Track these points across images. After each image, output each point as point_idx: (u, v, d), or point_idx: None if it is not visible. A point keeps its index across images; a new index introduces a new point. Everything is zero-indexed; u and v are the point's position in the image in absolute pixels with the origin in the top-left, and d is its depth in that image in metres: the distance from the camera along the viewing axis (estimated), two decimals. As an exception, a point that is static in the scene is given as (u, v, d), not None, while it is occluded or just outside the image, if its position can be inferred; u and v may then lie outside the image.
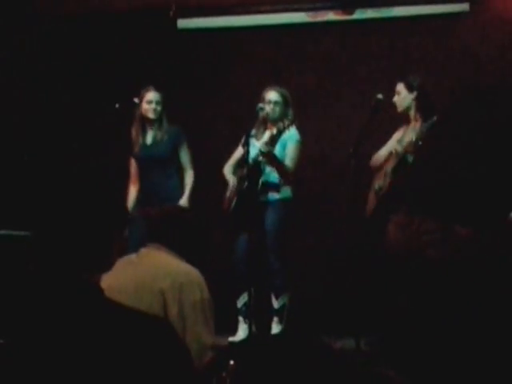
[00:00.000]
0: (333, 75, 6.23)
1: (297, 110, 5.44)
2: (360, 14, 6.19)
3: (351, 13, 6.21)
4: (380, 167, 5.14)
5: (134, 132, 5.50)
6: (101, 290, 1.69)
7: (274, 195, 5.33)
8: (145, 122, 5.48)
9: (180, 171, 5.57)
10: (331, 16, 6.27)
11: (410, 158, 4.80)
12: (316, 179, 6.10)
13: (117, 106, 5.32)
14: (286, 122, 5.09)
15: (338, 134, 6.04)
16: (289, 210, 5.37)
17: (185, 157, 5.54)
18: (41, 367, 1.59)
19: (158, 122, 5.48)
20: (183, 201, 5.41)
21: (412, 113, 5.05)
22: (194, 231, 2.92)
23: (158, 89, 5.47)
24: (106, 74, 6.30)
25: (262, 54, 6.35)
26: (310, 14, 6.32)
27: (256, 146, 5.29)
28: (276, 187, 5.33)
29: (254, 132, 5.37)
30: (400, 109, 5.11)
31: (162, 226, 2.81)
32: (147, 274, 2.62)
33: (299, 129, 5.31)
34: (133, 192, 5.56)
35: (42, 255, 1.71)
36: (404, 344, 4.02)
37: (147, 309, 2.35)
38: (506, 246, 2.26)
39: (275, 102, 5.30)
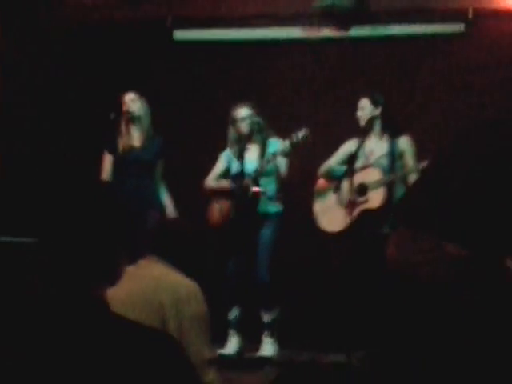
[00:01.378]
0: (329, 91, 6.25)
1: (291, 125, 5.47)
2: (356, 32, 6.22)
3: (347, 30, 6.24)
4: (334, 178, 5.26)
5: (120, 133, 5.47)
6: (107, 304, 1.69)
7: (273, 207, 5.37)
8: (128, 123, 5.45)
9: None
10: (327, 32, 6.30)
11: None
12: (305, 192, 6.11)
13: (112, 116, 5.32)
14: (301, 135, 5.15)
15: (332, 147, 6.06)
16: (281, 224, 5.40)
17: (160, 168, 5.54)
18: (46, 380, 1.59)
19: (137, 121, 5.45)
20: (171, 211, 5.41)
21: (377, 128, 5.26)
22: (192, 244, 2.92)
23: (138, 92, 5.48)
24: (100, 84, 6.30)
25: (256, 68, 6.37)
26: (306, 29, 6.34)
27: (235, 161, 5.36)
28: (274, 199, 5.36)
29: (230, 150, 5.46)
30: (363, 123, 5.27)
31: (162, 238, 2.81)
32: (147, 286, 2.62)
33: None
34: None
35: (48, 265, 1.71)
36: (395, 362, 4.03)
37: (146, 321, 2.35)
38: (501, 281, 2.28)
39: (249, 117, 5.35)
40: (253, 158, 5.34)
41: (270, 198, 5.34)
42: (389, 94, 5.73)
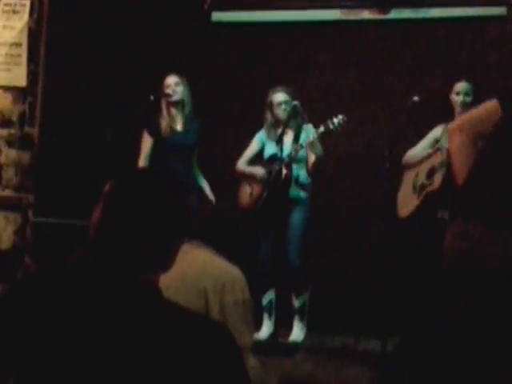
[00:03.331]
0: (367, 74, 6.19)
1: (329, 107, 5.42)
2: (396, 14, 6.14)
3: (387, 12, 6.16)
4: (417, 164, 5.10)
5: (162, 117, 5.41)
6: (160, 291, 1.68)
7: (303, 193, 5.33)
8: (169, 107, 5.41)
9: None
10: (366, 15, 6.22)
11: None
12: (342, 178, 6.07)
13: (151, 98, 5.30)
14: (337, 120, 5.10)
15: (371, 133, 6.00)
16: (308, 209, 5.38)
17: (196, 152, 5.51)
18: (100, 368, 1.58)
19: (181, 105, 5.41)
20: (211, 196, 5.35)
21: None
22: (235, 230, 2.90)
23: (180, 74, 5.43)
24: (139, 64, 6.29)
25: (295, 50, 6.32)
26: (345, 11, 6.27)
27: (271, 146, 5.33)
28: (304, 185, 5.33)
29: (266, 133, 5.40)
30: (459, 108, 5.10)
31: (211, 224, 2.79)
32: (190, 272, 2.59)
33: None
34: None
35: (101, 248, 1.69)
36: (436, 349, 4.00)
37: (190, 307, 2.33)
38: None
39: (285, 102, 5.32)
40: (287, 143, 5.31)
41: (301, 184, 5.32)
42: (428, 77, 5.66)
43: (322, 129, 5.14)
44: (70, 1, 5.88)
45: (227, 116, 6.23)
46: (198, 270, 2.63)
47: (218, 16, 6.41)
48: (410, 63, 6.07)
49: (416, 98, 4.94)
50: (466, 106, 5.04)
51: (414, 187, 5.06)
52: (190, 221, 1.77)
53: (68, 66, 6.21)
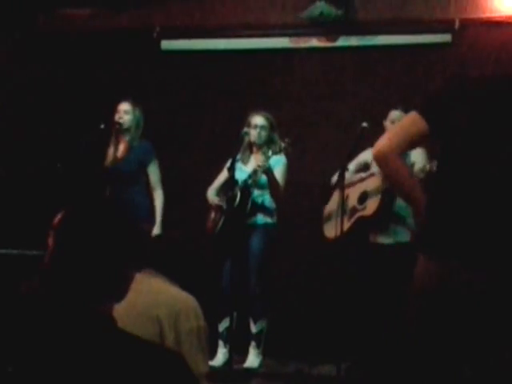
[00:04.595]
0: (314, 101, 6.27)
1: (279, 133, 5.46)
2: (343, 42, 6.24)
3: (334, 40, 6.26)
4: (348, 186, 5.15)
5: (111, 144, 5.44)
6: (113, 321, 1.67)
7: (261, 218, 5.33)
8: (118, 134, 5.40)
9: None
10: (314, 42, 6.31)
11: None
12: (293, 204, 6.11)
13: (102, 126, 5.27)
14: (283, 145, 5.11)
15: (319, 159, 6.06)
16: (273, 235, 5.38)
17: (153, 174, 5.43)
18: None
19: (127, 132, 5.40)
20: (156, 229, 5.28)
21: None
22: (184, 256, 2.90)
23: (133, 102, 5.42)
24: (89, 93, 6.28)
25: (245, 78, 6.37)
26: (293, 39, 6.35)
27: (243, 169, 5.30)
28: (264, 210, 5.33)
29: (239, 156, 5.38)
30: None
31: (158, 251, 2.78)
32: (144, 300, 2.58)
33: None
34: None
35: (55, 279, 1.68)
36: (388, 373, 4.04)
37: (143, 336, 2.32)
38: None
39: (261, 127, 5.32)
40: (251, 168, 5.30)
41: (263, 209, 5.32)
42: (376, 103, 5.76)
43: (269, 153, 5.16)
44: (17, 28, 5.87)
45: (175, 140, 6.24)
46: (151, 299, 2.62)
47: (167, 44, 6.43)
48: (358, 90, 6.16)
49: (365, 124, 5.01)
50: None
51: (344, 209, 5.13)
52: (141, 249, 1.77)
53: (17, 96, 6.17)
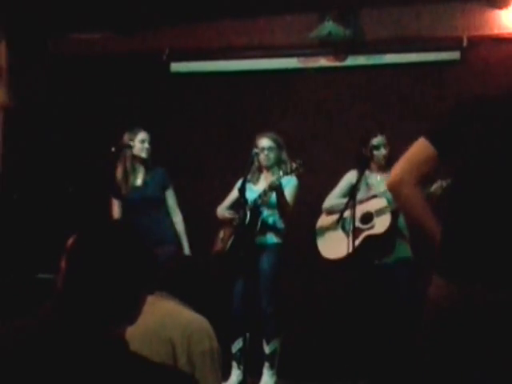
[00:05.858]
0: (324, 121, 6.28)
1: (290, 152, 5.46)
2: (352, 61, 6.25)
3: (343, 59, 6.28)
4: (342, 210, 5.13)
5: (121, 173, 5.43)
6: (126, 343, 1.67)
7: (272, 238, 5.33)
8: (135, 163, 5.45)
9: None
10: (323, 62, 6.33)
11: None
12: (306, 224, 6.09)
13: (113, 149, 5.29)
14: (294, 165, 5.11)
15: (329, 180, 6.05)
16: (282, 255, 5.37)
17: (171, 199, 5.50)
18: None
19: (147, 162, 5.46)
20: (186, 250, 5.36)
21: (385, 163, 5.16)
22: (201, 280, 2.90)
23: (146, 129, 5.46)
24: (100, 116, 6.32)
25: (254, 99, 6.39)
26: (302, 59, 6.37)
27: (253, 189, 5.31)
28: (274, 230, 5.33)
29: (249, 177, 5.38)
30: (382, 162, 5.20)
31: (172, 275, 2.79)
32: (156, 323, 2.58)
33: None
34: None
35: (67, 302, 1.68)
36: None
37: (156, 358, 2.32)
38: None
39: (268, 148, 5.34)
40: (261, 188, 5.31)
41: (272, 229, 5.32)
42: (386, 121, 5.76)
43: (280, 174, 5.17)
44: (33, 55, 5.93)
45: (188, 164, 6.26)
46: (164, 321, 2.62)
47: (176, 67, 6.47)
48: (368, 109, 6.17)
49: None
50: (386, 159, 5.15)
51: (344, 231, 5.14)
52: (154, 273, 1.77)
53: (28, 120, 6.22)
